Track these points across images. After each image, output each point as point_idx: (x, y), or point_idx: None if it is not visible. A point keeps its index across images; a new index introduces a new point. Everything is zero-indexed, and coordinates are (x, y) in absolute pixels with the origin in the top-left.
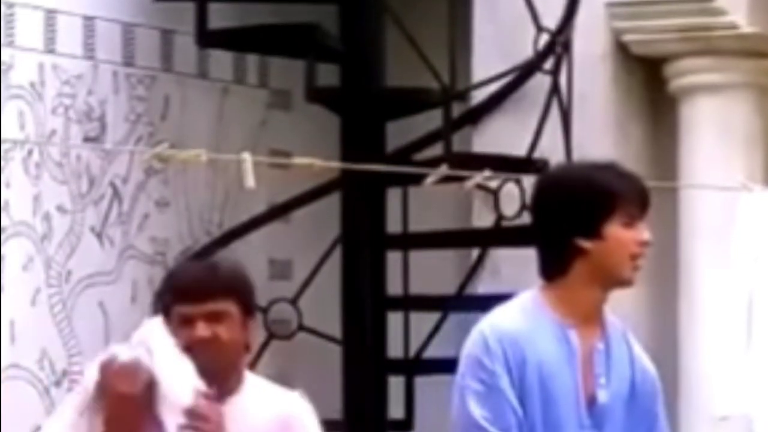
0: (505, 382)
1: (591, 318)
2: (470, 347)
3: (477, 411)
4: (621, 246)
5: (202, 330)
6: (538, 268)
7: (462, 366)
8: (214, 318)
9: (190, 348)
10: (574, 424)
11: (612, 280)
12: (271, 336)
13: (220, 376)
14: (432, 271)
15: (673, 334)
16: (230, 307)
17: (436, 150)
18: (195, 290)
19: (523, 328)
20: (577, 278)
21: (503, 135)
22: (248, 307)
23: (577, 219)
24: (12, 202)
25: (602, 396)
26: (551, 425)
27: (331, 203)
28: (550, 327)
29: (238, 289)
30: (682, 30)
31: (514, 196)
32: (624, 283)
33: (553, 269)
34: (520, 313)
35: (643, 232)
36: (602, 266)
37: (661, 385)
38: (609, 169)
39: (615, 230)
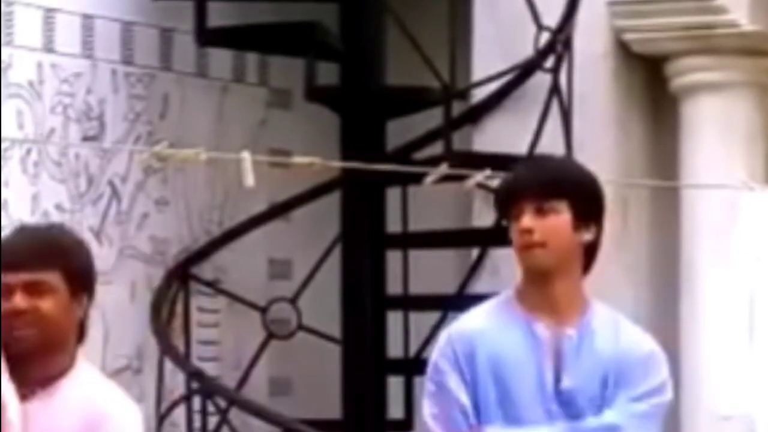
0: (453, 380)
1: (558, 308)
2: (434, 350)
3: (427, 410)
4: (514, 239)
5: (19, 300)
6: None
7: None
8: (34, 289)
9: (7, 320)
10: (538, 411)
11: (523, 271)
12: (270, 335)
13: (40, 354)
14: (432, 271)
15: (674, 334)
16: (53, 278)
17: (436, 149)
18: (12, 257)
19: (479, 325)
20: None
21: (504, 134)
22: (79, 282)
23: (502, 218)
24: (10, 201)
25: (566, 381)
26: (511, 414)
27: (331, 202)
28: (514, 321)
29: (63, 260)
30: (683, 28)
31: None
32: (528, 272)
33: None
34: (484, 311)
35: (523, 220)
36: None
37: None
38: (526, 162)
39: (511, 224)
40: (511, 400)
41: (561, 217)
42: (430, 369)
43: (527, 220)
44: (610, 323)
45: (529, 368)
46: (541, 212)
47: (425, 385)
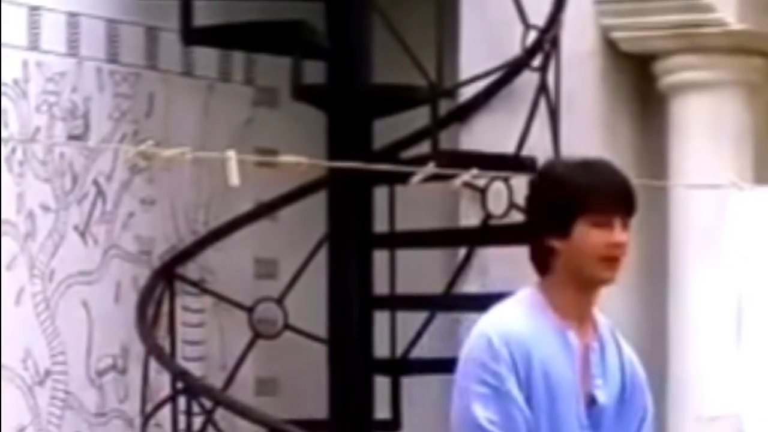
0: (512, 384)
1: (584, 317)
2: (473, 350)
3: (482, 414)
4: (588, 247)
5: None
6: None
7: (464, 369)
8: None
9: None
10: (574, 424)
11: (584, 280)
12: (256, 335)
13: None
14: (419, 271)
15: (662, 333)
16: None
17: (423, 148)
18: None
19: (527, 327)
20: (557, 278)
21: (491, 133)
22: None
23: (549, 218)
24: None
25: (601, 397)
26: (555, 424)
27: (318, 202)
28: (550, 327)
29: None
30: (671, 27)
31: (501, 195)
32: (599, 283)
33: (537, 267)
34: (523, 312)
35: (616, 233)
36: (573, 266)
37: (648, 383)
38: (589, 167)
39: (583, 231)
40: (555, 411)
41: (629, 234)
42: (475, 370)
43: (620, 234)
44: (610, 332)
45: (568, 379)
46: (624, 227)
47: (468, 387)
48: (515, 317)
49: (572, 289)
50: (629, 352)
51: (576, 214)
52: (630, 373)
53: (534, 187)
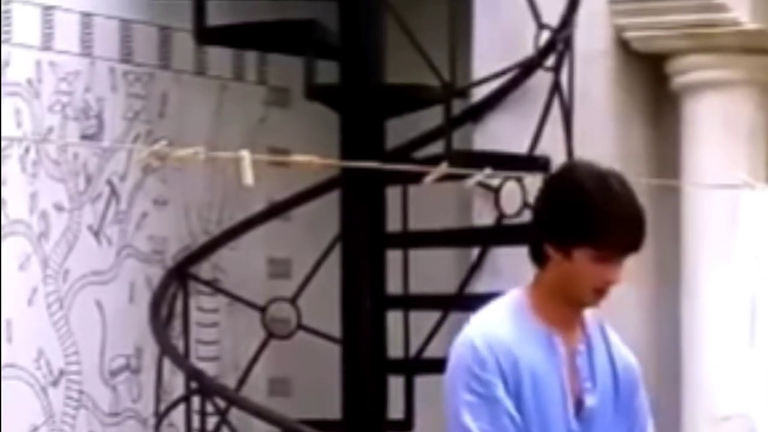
0: (501, 391)
1: (571, 321)
2: (460, 357)
3: (473, 423)
4: (584, 276)
5: None
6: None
7: (451, 376)
8: None
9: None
10: (562, 429)
11: (571, 298)
12: (270, 335)
13: None
14: (432, 270)
15: (675, 333)
16: None
17: (436, 148)
18: None
19: (512, 333)
20: (546, 285)
21: (504, 133)
22: None
23: (554, 228)
24: (9, 200)
25: (590, 400)
26: (544, 430)
27: (331, 201)
28: (535, 332)
29: None
30: (684, 27)
31: (515, 195)
32: (584, 306)
33: (535, 261)
34: (508, 317)
35: (613, 272)
36: (563, 282)
37: (661, 380)
38: (609, 190)
39: (584, 259)
40: (544, 417)
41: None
42: (464, 377)
43: (618, 273)
44: (599, 329)
45: (555, 384)
46: (623, 263)
47: (457, 395)
48: (500, 322)
49: (559, 300)
50: (619, 344)
51: (581, 240)
52: (622, 368)
53: (548, 188)
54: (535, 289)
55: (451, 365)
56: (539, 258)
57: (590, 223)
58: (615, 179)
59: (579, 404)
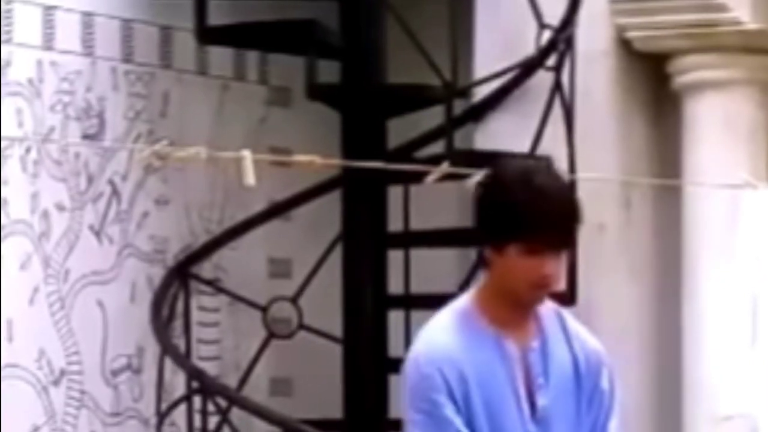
0: (449, 410)
1: (521, 320)
2: (406, 376)
3: None
4: (518, 271)
5: None
6: None
7: (402, 395)
8: None
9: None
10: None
11: (510, 297)
12: (271, 335)
13: None
14: (433, 270)
15: (676, 332)
16: None
17: (437, 147)
18: None
19: (458, 343)
20: (491, 289)
21: (505, 132)
22: None
23: (486, 228)
24: (10, 199)
25: (542, 400)
26: None
27: (332, 201)
28: (483, 337)
29: None
30: (685, 26)
31: None
32: (528, 304)
33: (480, 265)
34: (455, 327)
35: (547, 265)
36: (504, 282)
37: (662, 380)
38: (533, 182)
39: (515, 254)
40: (496, 424)
41: (564, 259)
42: (412, 397)
43: (551, 266)
44: (556, 320)
45: (507, 389)
46: (559, 256)
47: (407, 414)
48: (444, 333)
49: (506, 302)
50: (581, 332)
51: (510, 237)
52: (582, 354)
53: (476, 190)
54: (480, 293)
55: (402, 384)
56: (482, 262)
57: (513, 218)
58: (541, 174)
59: (534, 405)
